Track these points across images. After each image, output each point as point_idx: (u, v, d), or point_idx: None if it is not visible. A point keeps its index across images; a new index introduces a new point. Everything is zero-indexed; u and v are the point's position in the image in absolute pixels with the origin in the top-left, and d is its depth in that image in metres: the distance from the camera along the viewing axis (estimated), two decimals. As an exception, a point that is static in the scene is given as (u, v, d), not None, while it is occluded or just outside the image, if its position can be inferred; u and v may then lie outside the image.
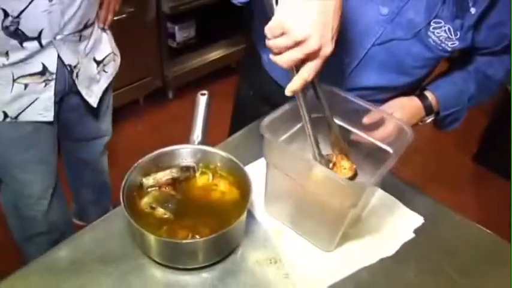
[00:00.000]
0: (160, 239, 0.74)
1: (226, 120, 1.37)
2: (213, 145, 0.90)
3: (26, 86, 1.12)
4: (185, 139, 0.88)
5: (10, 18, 0.99)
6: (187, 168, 0.86)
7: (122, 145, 2.17)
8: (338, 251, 0.82)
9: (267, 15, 0.66)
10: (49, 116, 1.20)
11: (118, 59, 1.37)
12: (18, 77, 1.10)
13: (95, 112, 1.40)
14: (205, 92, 0.93)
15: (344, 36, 0.95)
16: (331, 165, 0.83)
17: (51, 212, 1.40)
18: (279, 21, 0.63)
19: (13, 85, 1.10)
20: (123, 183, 0.78)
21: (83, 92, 1.25)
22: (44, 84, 1.14)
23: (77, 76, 1.20)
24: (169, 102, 2.70)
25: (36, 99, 1.15)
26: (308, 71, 0.66)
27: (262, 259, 0.80)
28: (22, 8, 0.99)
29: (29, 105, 1.15)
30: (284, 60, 0.65)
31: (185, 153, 0.87)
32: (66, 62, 1.15)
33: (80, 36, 1.16)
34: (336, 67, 0.97)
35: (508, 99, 2.25)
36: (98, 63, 1.28)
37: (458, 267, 0.82)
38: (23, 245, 1.51)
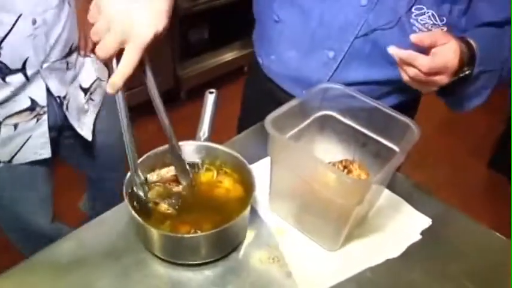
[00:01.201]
0: (162, 233, 0.74)
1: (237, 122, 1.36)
2: (220, 144, 0.89)
3: (15, 126, 1.01)
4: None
5: None
6: (192, 165, 0.86)
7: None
8: (342, 251, 0.81)
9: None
10: (46, 153, 1.10)
11: (103, 84, 1.24)
12: (5, 118, 0.99)
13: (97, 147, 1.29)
14: (214, 90, 0.93)
15: (325, 30, 0.93)
16: (345, 171, 0.82)
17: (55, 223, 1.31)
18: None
19: (0, 128, 1.00)
20: (127, 178, 0.79)
21: (75, 125, 1.15)
22: (35, 120, 1.03)
23: (67, 108, 1.10)
24: (181, 103, 2.72)
25: (29, 137, 1.04)
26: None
27: (265, 257, 0.79)
28: (3, 36, 0.89)
29: (22, 145, 1.05)
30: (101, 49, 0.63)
31: (190, 150, 0.87)
32: (55, 94, 1.05)
33: (67, 64, 1.07)
34: (322, 62, 0.96)
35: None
36: (85, 91, 1.17)
37: (466, 270, 0.80)
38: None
